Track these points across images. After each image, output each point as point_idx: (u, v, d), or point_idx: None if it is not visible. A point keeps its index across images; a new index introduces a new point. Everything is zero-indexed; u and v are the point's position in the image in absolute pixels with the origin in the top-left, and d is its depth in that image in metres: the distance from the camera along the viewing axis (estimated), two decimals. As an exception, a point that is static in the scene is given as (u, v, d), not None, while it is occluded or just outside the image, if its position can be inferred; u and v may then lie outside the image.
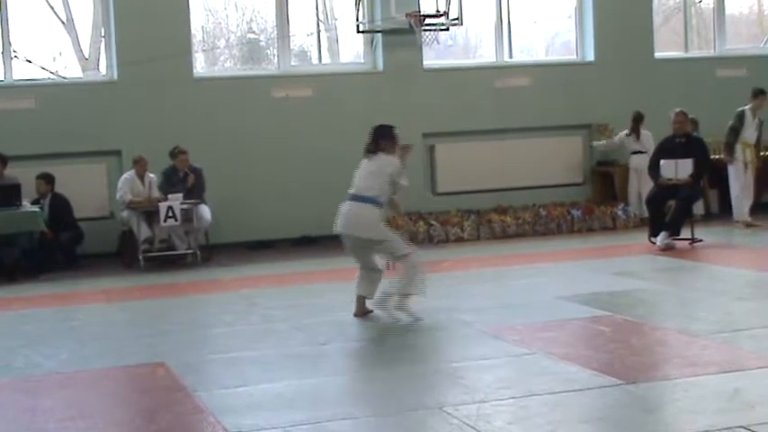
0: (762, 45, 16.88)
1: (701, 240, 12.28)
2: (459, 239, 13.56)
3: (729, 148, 13.54)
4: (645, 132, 14.18)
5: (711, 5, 16.35)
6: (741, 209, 13.54)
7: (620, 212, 14.25)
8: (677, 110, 12.62)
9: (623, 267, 10.84)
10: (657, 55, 15.61)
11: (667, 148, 12.50)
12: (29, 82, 13.40)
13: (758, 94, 13.62)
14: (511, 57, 15.40)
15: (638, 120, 14.30)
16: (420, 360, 7.34)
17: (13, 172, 12.51)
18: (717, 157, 13.79)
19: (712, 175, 13.92)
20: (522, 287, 10.04)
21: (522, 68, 15.18)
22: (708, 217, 14.25)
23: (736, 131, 13.53)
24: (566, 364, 6.80)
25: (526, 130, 14.95)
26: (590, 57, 15.35)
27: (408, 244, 8.90)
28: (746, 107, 13.62)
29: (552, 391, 6.21)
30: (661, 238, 12.01)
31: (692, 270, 10.93)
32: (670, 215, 12.13)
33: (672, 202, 12.13)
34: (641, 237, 12.59)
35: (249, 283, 11.02)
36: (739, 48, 16.38)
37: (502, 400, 6.06)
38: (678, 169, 12.19)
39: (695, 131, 13.17)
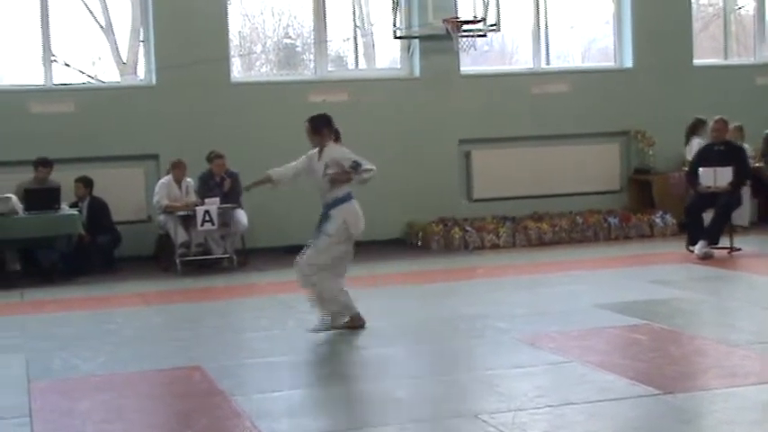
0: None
1: (739, 249, 12.15)
2: (495, 246, 13.52)
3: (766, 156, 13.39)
4: (695, 140, 13.94)
5: (751, 12, 16.22)
6: None
7: (657, 220, 14.15)
8: (716, 117, 12.52)
9: (661, 276, 10.76)
10: (696, 62, 15.50)
11: (706, 156, 12.40)
12: (68, 86, 13.50)
13: None
14: (548, 63, 15.35)
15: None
16: (456, 367, 7.32)
17: (51, 175, 12.59)
18: (757, 165, 13.66)
19: (754, 183, 13.73)
20: (558, 295, 9.99)
21: (560, 75, 15.12)
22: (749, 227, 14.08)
23: None
24: (602, 372, 6.76)
25: (563, 137, 14.88)
26: (628, 63, 15.26)
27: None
28: None
29: (589, 400, 6.18)
30: (699, 247, 11.90)
31: (731, 279, 10.84)
32: (709, 224, 12.03)
33: (711, 211, 12.02)
34: (679, 245, 12.49)
35: (285, 287, 11.01)
36: (779, 55, 16.23)
37: (538, 408, 6.03)
38: (717, 177, 12.08)
39: (741, 140, 13.04)
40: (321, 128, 8.63)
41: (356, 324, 8.45)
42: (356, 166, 8.45)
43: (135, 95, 13.59)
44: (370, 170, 8.52)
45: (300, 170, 8.80)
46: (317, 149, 8.67)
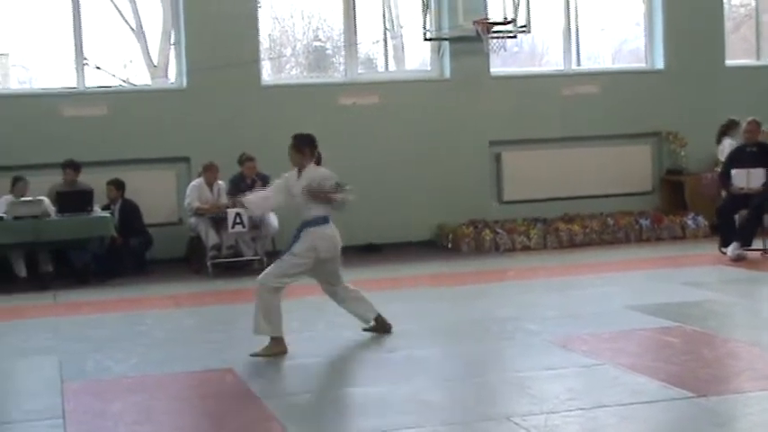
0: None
1: (772, 251, 12.08)
2: (526, 248, 13.47)
3: None
4: (726, 141, 13.82)
5: (785, 12, 16.10)
6: None
7: (689, 222, 14.06)
8: (749, 118, 12.43)
9: (693, 278, 10.69)
10: (728, 63, 15.39)
11: (739, 157, 12.31)
12: (100, 89, 13.58)
13: None
14: (578, 64, 15.29)
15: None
16: (487, 369, 7.31)
17: (83, 178, 12.68)
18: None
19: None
20: (589, 297, 9.94)
21: (591, 76, 15.05)
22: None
23: None
24: (634, 375, 6.73)
25: (594, 139, 14.82)
26: (659, 64, 15.17)
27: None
28: None
29: (621, 403, 6.15)
30: (732, 249, 11.82)
31: (764, 281, 10.76)
32: (741, 225, 11.93)
33: (744, 212, 11.93)
34: (711, 247, 12.40)
35: (315, 290, 10.98)
36: (813, 55, 16.09)
37: (570, 411, 6.01)
38: (750, 178, 12.00)
39: None
40: (304, 147, 8.42)
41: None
42: (339, 186, 8.31)
43: (166, 98, 13.65)
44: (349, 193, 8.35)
45: (279, 196, 8.47)
46: (295, 170, 8.42)
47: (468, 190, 14.31)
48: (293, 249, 8.11)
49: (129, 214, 12.76)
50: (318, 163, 8.45)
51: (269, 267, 8.22)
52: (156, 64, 14.70)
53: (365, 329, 8.38)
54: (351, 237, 13.78)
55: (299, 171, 8.39)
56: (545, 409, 6.02)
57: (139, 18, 14.51)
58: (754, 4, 16.16)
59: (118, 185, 12.82)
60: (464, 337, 8.31)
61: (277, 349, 7.86)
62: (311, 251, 8.11)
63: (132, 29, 14.52)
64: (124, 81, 14.28)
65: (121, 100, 13.52)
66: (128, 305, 10.63)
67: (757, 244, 12.03)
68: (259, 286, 8.04)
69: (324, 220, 8.22)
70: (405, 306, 9.51)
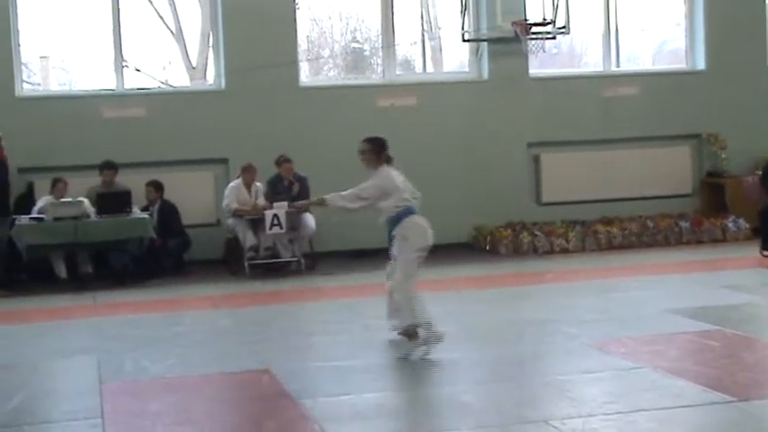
0: None
1: (815, 254, 11.93)
2: (564, 250, 13.40)
3: None
4: None
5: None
6: None
7: (730, 224, 13.92)
8: (791, 120, 12.31)
9: (733, 281, 10.58)
10: (770, 64, 15.24)
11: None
12: (139, 91, 13.64)
13: None
14: (618, 65, 15.18)
15: None
16: (524, 372, 7.26)
17: (123, 179, 12.77)
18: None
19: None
20: (628, 300, 9.86)
21: (631, 77, 14.94)
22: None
23: None
24: (674, 378, 6.66)
25: (633, 140, 14.71)
26: (700, 65, 15.04)
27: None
28: None
29: (660, 407, 6.10)
30: (773, 252, 11.71)
31: (806, 285, 10.64)
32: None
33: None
34: (752, 250, 12.27)
35: (352, 291, 11.05)
36: None
37: (609, 414, 5.96)
38: (792, 180, 11.89)
39: None
40: (381, 150, 8.68)
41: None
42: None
43: (204, 100, 13.71)
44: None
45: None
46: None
47: (506, 192, 14.25)
48: (397, 251, 8.12)
49: (168, 215, 12.83)
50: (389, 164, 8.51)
51: (398, 275, 8.06)
52: (194, 66, 14.78)
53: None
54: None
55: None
56: (583, 413, 5.98)
57: (178, 20, 14.60)
58: (796, 4, 15.98)
59: (157, 187, 12.89)
60: (502, 340, 8.27)
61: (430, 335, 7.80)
62: (408, 244, 8.08)
63: (171, 31, 14.61)
64: (163, 83, 14.35)
65: (160, 101, 13.59)
66: (166, 306, 10.68)
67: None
68: (400, 297, 7.93)
69: (406, 212, 8.23)
70: (442, 308, 9.45)
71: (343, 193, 8.32)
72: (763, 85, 14.95)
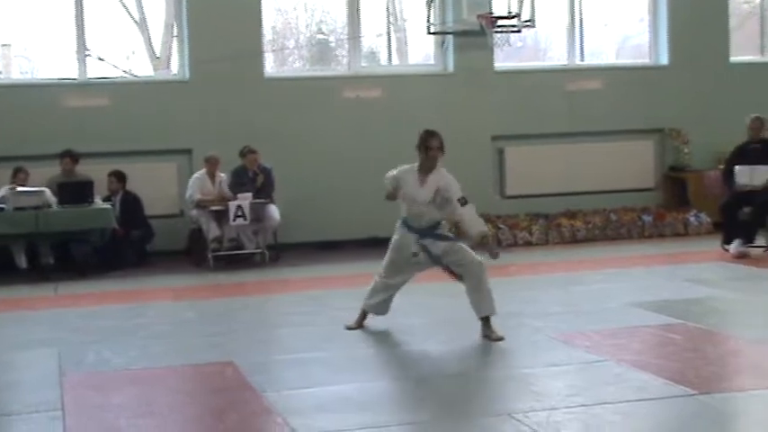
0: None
1: (775, 248, 12.04)
2: (528, 243, 13.44)
3: None
4: None
5: (789, 9, 16.04)
6: None
7: (692, 218, 14.03)
8: (753, 115, 12.40)
9: (695, 274, 10.66)
10: (733, 59, 15.34)
11: (742, 154, 12.28)
12: (102, 80, 13.53)
13: None
14: (582, 59, 15.25)
15: None
16: (489, 365, 7.27)
17: (85, 169, 12.67)
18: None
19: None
20: (591, 293, 9.91)
21: (595, 71, 15.00)
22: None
23: None
24: (637, 372, 6.69)
25: (597, 134, 14.78)
26: (663, 60, 15.13)
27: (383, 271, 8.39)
28: None
29: (623, 400, 6.12)
30: (735, 246, 11.79)
31: (767, 278, 10.72)
32: (744, 222, 11.90)
33: (747, 209, 11.89)
34: (714, 244, 12.37)
35: (317, 283, 11.03)
36: (818, 53, 16.03)
37: (572, 407, 5.97)
38: (754, 175, 11.97)
39: (763, 132, 12.83)
40: (442, 146, 8.05)
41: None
42: (464, 202, 8.01)
43: (168, 90, 13.62)
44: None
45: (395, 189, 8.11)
46: (415, 167, 8.09)
47: (470, 184, 13.99)
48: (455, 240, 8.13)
49: (131, 206, 12.74)
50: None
51: (473, 253, 7.99)
52: (158, 55, 14.67)
53: None
54: (354, 230, 13.84)
55: (425, 172, 8.06)
56: (547, 406, 5.99)
57: (142, 9, 14.47)
58: (758, 0, 16.10)
59: (119, 177, 12.80)
60: (466, 333, 8.26)
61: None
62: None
63: (135, 20, 14.48)
64: (126, 72, 14.23)
65: (123, 91, 13.49)
66: (128, 297, 10.60)
67: (760, 241, 12.01)
68: (482, 269, 7.92)
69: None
70: (406, 300, 9.44)
71: (473, 213, 8.14)
72: (726, 81, 15.07)
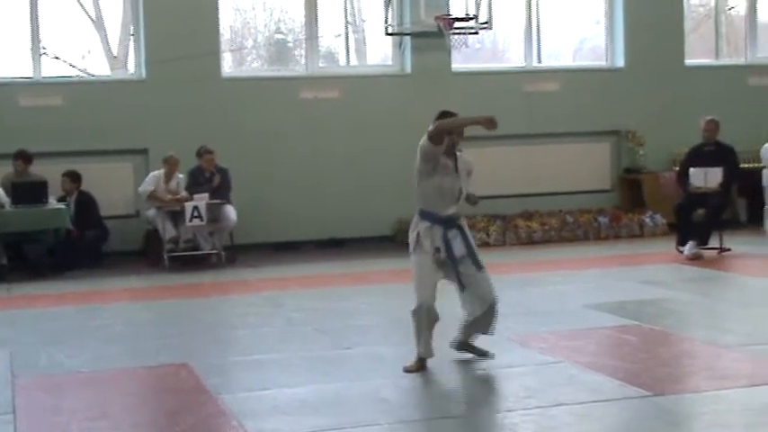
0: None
1: (729, 250, 12.15)
2: (485, 244, 13.43)
3: None
4: None
5: (742, 13, 16.20)
6: None
7: (647, 220, 14.13)
8: (707, 117, 12.51)
9: (650, 276, 10.74)
10: (688, 62, 15.47)
11: (697, 157, 12.39)
12: (57, 79, 13.40)
13: None
14: (539, 61, 15.31)
15: None
16: (445, 367, 7.27)
17: (40, 169, 12.52)
18: (746, 165, 13.63)
19: (742, 183, 13.70)
20: (548, 294, 9.95)
21: (552, 73, 15.08)
22: (736, 226, 14.02)
23: None
24: (592, 373, 6.73)
25: (554, 136, 14.84)
26: (620, 63, 15.23)
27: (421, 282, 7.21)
28: None
29: (578, 401, 6.15)
30: (689, 247, 11.89)
31: (721, 280, 10.83)
32: (699, 224, 12.00)
33: (701, 211, 12.00)
34: (669, 245, 12.47)
35: (274, 284, 10.99)
36: (772, 56, 16.20)
37: (528, 409, 6.00)
38: (707, 178, 12.08)
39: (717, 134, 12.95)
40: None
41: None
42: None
43: (125, 89, 13.51)
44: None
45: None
46: (442, 148, 7.15)
47: (428, 185, 14.25)
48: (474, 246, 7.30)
49: (86, 206, 12.63)
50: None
51: (488, 279, 7.33)
52: (115, 55, 14.55)
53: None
54: (313, 232, 13.81)
55: (454, 154, 7.26)
56: (503, 408, 6.02)
57: (99, 8, 14.34)
58: (713, 3, 16.26)
59: (74, 177, 12.68)
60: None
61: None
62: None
63: (92, 19, 14.34)
64: (82, 72, 14.10)
65: (79, 90, 13.36)
66: (82, 299, 10.51)
67: (714, 243, 12.12)
68: (493, 299, 7.26)
69: None
70: (365, 302, 9.48)
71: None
72: (681, 83, 15.19)
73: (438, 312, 7.09)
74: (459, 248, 7.17)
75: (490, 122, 7.08)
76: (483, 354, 7.29)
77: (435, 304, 7.11)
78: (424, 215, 7.20)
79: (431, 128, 7.13)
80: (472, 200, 7.48)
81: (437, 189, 7.19)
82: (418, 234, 7.16)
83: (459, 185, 7.24)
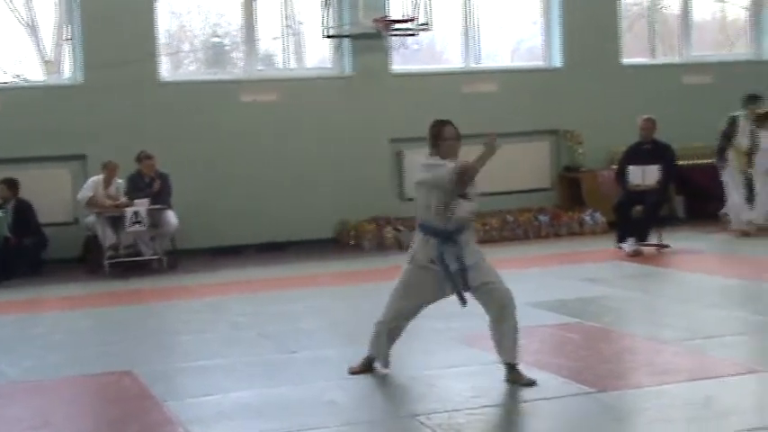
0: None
1: (668, 246, 12.31)
2: (427, 245, 13.48)
3: (721, 153, 13.32)
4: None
5: (676, 12, 16.43)
6: (739, 216, 13.27)
7: (587, 218, 14.27)
8: (644, 116, 12.66)
9: (591, 274, 10.84)
10: (624, 61, 15.66)
11: (635, 154, 12.54)
12: (-9, 85, 13.24)
13: (755, 99, 13.26)
14: (478, 62, 15.39)
15: None
16: (391, 368, 7.27)
17: (-25, 176, 12.36)
18: (683, 163, 13.81)
19: (679, 181, 13.91)
20: (490, 293, 9.97)
21: (490, 74, 15.17)
22: (674, 222, 14.20)
23: (727, 137, 13.27)
24: (536, 371, 6.76)
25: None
26: (557, 63, 15.37)
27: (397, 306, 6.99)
28: (739, 113, 13.33)
29: (524, 400, 6.20)
30: (628, 245, 12.04)
31: (660, 276, 10.96)
32: (637, 221, 12.15)
33: (639, 208, 12.14)
34: (609, 242, 12.60)
35: (216, 289, 10.92)
36: (705, 54, 16.44)
37: (474, 408, 6.02)
38: (645, 175, 12.24)
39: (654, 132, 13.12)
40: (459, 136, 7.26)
41: None
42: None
43: (61, 95, 13.37)
44: None
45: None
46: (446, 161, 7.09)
47: (369, 187, 14.31)
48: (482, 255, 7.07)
49: (23, 214, 12.47)
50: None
51: (503, 284, 7.08)
52: (50, 60, 14.37)
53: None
54: (253, 235, 13.76)
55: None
56: (449, 408, 6.03)
57: (32, 13, 14.15)
58: (646, 2, 16.47)
59: (10, 184, 12.52)
60: (367, 336, 8.25)
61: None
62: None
63: (25, 24, 14.15)
64: (17, 77, 13.90)
65: (14, 96, 13.19)
66: (22, 307, 10.38)
67: (653, 239, 12.28)
68: (509, 297, 6.96)
69: None
70: (307, 305, 9.45)
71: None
72: (618, 82, 15.38)
73: (402, 331, 6.97)
74: (453, 263, 6.88)
75: (493, 143, 7.22)
76: (529, 383, 6.51)
77: (405, 324, 6.96)
78: (423, 228, 6.98)
79: (453, 166, 7.11)
80: (490, 144, 7.16)
81: (437, 205, 7.03)
82: (415, 246, 6.98)
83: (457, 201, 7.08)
